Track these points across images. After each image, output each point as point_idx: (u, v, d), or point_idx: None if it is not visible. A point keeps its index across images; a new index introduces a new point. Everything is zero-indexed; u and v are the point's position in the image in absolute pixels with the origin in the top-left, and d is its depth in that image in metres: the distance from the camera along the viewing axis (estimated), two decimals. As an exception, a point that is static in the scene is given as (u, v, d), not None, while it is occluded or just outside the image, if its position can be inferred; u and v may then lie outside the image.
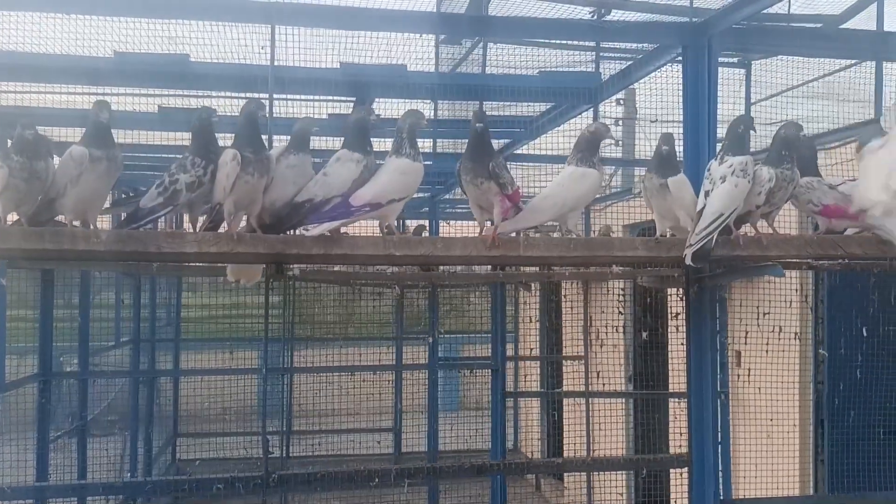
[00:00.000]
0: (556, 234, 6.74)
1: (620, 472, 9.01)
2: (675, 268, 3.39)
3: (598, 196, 7.13)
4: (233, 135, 2.97)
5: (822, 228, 3.18)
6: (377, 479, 3.16)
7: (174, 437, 11.71)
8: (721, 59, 6.87)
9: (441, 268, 6.45)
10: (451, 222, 10.34)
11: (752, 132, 3.07)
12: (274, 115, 4.27)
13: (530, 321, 12.30)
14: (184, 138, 5.87)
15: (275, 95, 4.36)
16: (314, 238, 2.96)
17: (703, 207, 2.93)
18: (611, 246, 3.07)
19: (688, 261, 2.90)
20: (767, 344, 5.91)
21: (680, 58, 3.62)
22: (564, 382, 10.93)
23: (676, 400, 7.11)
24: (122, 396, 10.00)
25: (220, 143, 3.03)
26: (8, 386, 5.67)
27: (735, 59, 7.33)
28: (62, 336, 7.86)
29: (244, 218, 3.01)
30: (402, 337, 11.41)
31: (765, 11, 6.35)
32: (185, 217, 3.12)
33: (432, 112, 6.32)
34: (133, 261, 3.53)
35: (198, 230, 2.94)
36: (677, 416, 7.19)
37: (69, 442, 6.91)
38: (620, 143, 9.28)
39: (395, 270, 6.05)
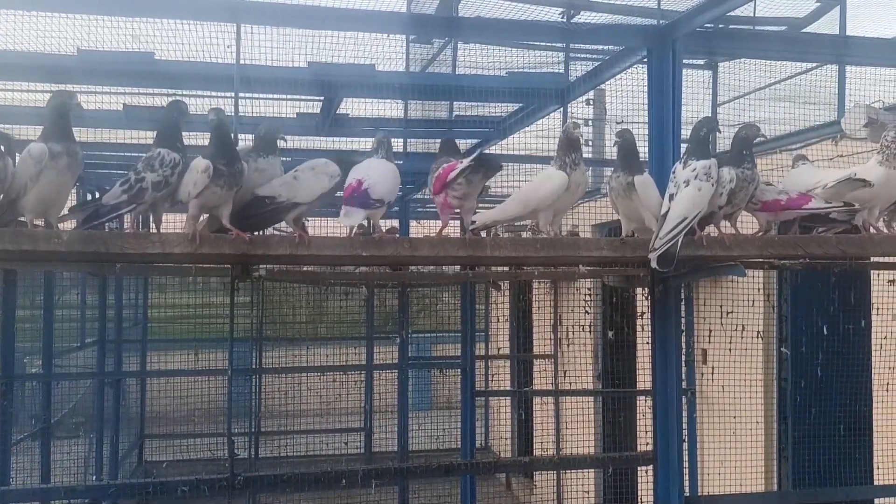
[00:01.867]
0: (525, 234, 6.78)
1: (589, 469, 9.08)
2: (641, 268, 3.42)
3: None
4: (195, 132, 2.94)
5: (764, 226, 3.24)
6: (344, 481, 3.16)
7: (141, 438, 11.57)
8: (688, 61, 7.02)
9: (411, 267, 6.45)
10: (422, 222, 10.33)
11: (717, 134, 3.11)
12: (240, 113, 4.24)
13: (500, 320, 12.34)
14: (149, 137, 5.81)
15: (242, 94, 4.32)
16: (280, 238, 2.96)
17: (668, 211, 2.96)
18: (576, 246, 3.10)
19: (654, 264, 2.93)
20: (731, 343, 5.99)
21: (646, 60, 3.65)
22: (535, 381, 10.98)
23: (645, 398, 7.17)
24: (87, 398, 9.86)
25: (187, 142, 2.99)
26: (-32, 389, 5.57)
27: (702, 62, 7.43)
28: (25, 337, 7.74)
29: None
30: (373, 337, 11.37)
31: (731, 14, 6.47)
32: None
33: (403, 111, 6.32)
34: (96, 261, 3.47)
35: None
36: (645, 413, 7.26)
37: (32, 445, 6.79)
38: (590, 143, 9.35)
39: (364, 270, 6.02)
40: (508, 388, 11.55)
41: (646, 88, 3.54)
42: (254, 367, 10.27)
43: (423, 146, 7.46)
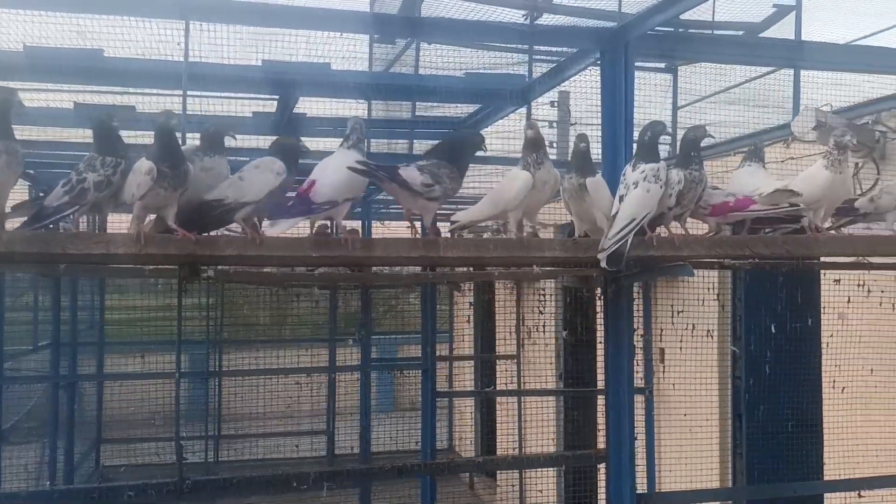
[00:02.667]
0: (486, 235, 6.79)
1: (550, 468, 9.12)
2: (593, 268, 3.44)
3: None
4: (151, 133, 2.90)
5: (714, 228, 3.30)
6: (295, 484, 3.12)
7: (98, 443, 11.36)
8: (648, 65, 7.10)
9: (373, 268, 6.42)
10: (386, 223, 10.31)
11: (666, 137, 3.14)
12: (192, 112, 4.19)
13: (460, 320, 12.37)
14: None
15: (192, 92, 4.26)
16: (227, 239, 2.92)
17: (617, 212, 2.98)
18: (529, 247, 3.10)
19: (603, 263, 2.95)
20: (684, 341, 6.08)
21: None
22: (498, 381, 11.02)
23: (604, 396, 7.22)
24: (42, 403, 9.66)
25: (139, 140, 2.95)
26: None
27: (663, 65, 7.52)
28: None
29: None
30: (336, 339, 11.31)
31: (689, 18, 6.56)
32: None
33: (366, 112, 6.29)
34: (39, 262, 3.40)
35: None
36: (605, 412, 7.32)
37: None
38: (555, 144, 9.41)
39: (324, 271, 5.98)
40: (471, 389, 11.55)
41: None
42: (212, 369, 10.11)
43: (385, 147, 7.44)
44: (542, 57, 5.55)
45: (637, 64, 3.61)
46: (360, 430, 9.75)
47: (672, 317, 6.11)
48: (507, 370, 10.61)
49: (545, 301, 9.50)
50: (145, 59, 4.30)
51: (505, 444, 10.62)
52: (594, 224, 3.23)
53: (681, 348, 6.17)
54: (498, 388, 10.84)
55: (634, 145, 3.34)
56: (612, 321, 3.46)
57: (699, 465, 6.08)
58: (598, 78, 3.54)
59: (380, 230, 9.90)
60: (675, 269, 3.18)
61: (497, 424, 11.20)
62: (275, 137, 5.90)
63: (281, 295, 11.72)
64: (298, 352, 12.16)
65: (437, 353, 9.06)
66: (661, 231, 3.22)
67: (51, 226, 2.78)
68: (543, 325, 9.50)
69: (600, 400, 7.86)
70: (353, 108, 6.24)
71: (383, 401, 14.45)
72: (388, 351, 14.41)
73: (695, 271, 3.19)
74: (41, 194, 5.88)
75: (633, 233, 2.91)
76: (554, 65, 5.21)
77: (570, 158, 3.24)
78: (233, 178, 2.95)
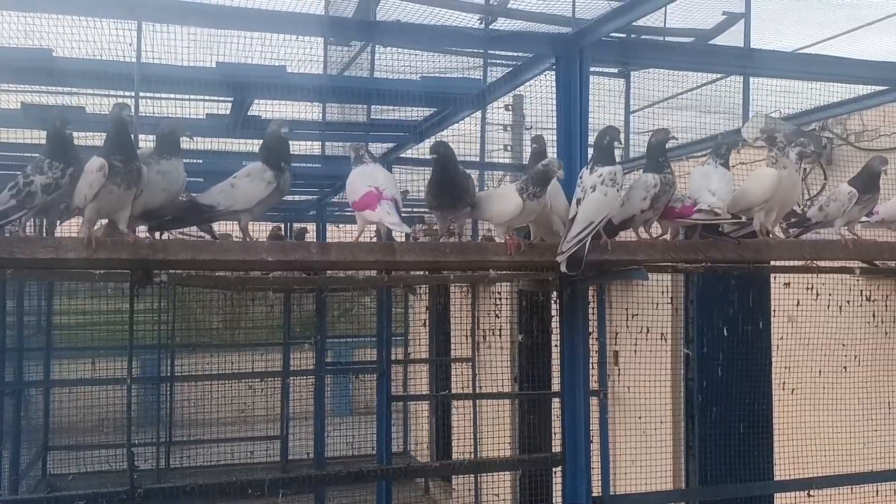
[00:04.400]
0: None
1: (505, 474, 9.15)
2: (549, 271, 3.47)
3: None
4: (101, 133, 2.83)
5: (665, 231, 3.35)
6: (251, 490, 3.08)
7: (44, 450, 11.06)
8: (602, 69, 7.19)
9: (327, 272, 6.38)
10: (340, 226, 10.24)
11: (618, 143, 3.18)
12: (141, 113, 4.10)
13: (416, 323, 12.36)
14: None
15: (146, 94, 4.18)
16: (180, 243, 2.88)
17: (575, 215, 3.01)
18: (484, 251, 3.11)
19: (563, 267, 2.97)
20: (638, 344, 6.16)
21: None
22: (453, 385, 11.02)
23: (560, 399, 7.27)
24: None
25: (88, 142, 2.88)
26: None
27: (615, 70, 7.62)
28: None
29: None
30: (290, 342, 11.21)
31: (642, 24, 6.65)
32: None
33: (320, 114, 6.24)
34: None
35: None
36: (561, 415, 7.37)
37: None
38: (510, 147, 9.48)
39: (277, 274, 5.92)
40: (426, 393, 11.53)
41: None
42: (162, 374, 9.93)
43: (341, 149, 7.38)
44: (498, 61, 5.59)
45: (591, 69, 3.67)
46: (315, 435, 9.67)
47: (626, 320, 6.18)
48: (462, 374, 10.62)
49: (501, 304, 9.55)
50: (96, 59, 4.20)
51: (461, 447, 10.61)
52: (550, 228, 3.26)
53: (635, 351, 6.25)
54: (454, 391, 10.85)
55: (590, 150, 3.37)
56: (567, 324, 3.49)
57: (653, 467, 6.16)
58: (550, 82, 3.58)
59: (334, 233, 9.84)
60: (630, 272, 3.22)
61: (453, 428, 11.20)
62: (231, 140, 5.89)
63: (235, 299, 11.58)
64: (253, 356, 12.02)
65: (393, 357, 9.05)
66: (630, 235, 3.26)
67: (-3, 230, 2.70)
68: (499, 329, 9.54)
69: (556, 403, 7.92)
70: (308, 111, 6.21)
71: (340, 405, 14.35)
72: (343, 355, 14.32)
73: (648, 275, 3.23)
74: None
75: (590, 236, 2.94)
76: (510, 69, 5.27)
77: (527, 162, 3.25)
78: (224, 184, 2.95)
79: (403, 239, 3.40)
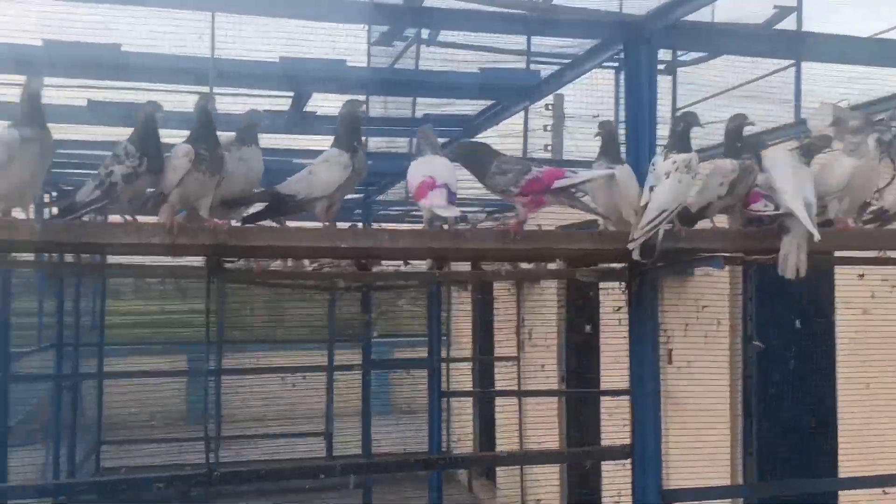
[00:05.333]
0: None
1: (553, 472, 9.09)
2: (617, 262, 3.44)
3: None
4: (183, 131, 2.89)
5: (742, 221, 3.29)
6: (323, 476, 3.10)
7: (98, 444, 11.31)
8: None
9: (375, 268, 6.41)
10: (383, 225, 10.27)
11: (695, 128, 3.14)
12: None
13: (459, 321, 12.36)
14: (114, 133, 5.67)
15: (217, 89, 4.25)
16: (258, 229, 2.92)
17: (648, 202, 2.97)
18: (554, 238, 3.10)
19: (635, 255, 2.94)
20: (690, 338, 6.06)
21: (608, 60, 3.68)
22: (497, 382, 11.00)
23: (611, 397, 7.22)
24: (44, 404, 9.57)
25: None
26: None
27: (662, 67, 7.54)
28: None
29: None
30: (335, 340, 11.29)
31: (690, 19, 6.57)
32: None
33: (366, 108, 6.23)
34: (70, 251, 3.38)
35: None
36: (612, 413, 7.31)
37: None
38: (549, 147, 9.42)
39: (328, 270, 5.97)
40: (477, 389, 11.49)
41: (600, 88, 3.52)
42: (214, 369, 10.06)
43: (386, 145, 7.41)
44: (539, 58, 5.54)
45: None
46: (363, 431, 9.70)
47: (682, 315, 6.10)
48: (506, 371, 10.60)
49: (547, 299, 9.46)
50: (164, 54, 4.28)
51: (505, 445, 10.59)
52: (620, 216, 3.23)
53: (690, 346, 6.17)
54: (497, 388, 10.82)
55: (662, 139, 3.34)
56: (636, 316, 3.46)
57: (710, 465, 6.08)
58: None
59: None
60: (704, 261, 3.18)
61: (496, 427, 11.17)
62: (287, 136, 5.91)
63: (281, 295, 11.70)
64: (297, 353, 12.15)
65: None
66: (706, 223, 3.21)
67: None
68: (545, 325, 9.48)
69: (604, 402, 7.84)
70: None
71: (380, 403, 14.41)
72: (382, 353, 14.38)
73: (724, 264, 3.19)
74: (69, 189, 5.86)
75: (664, 223, 2.90)
76: (550, 65, 5.21)
77: (600, 147, 3.22)
78: (302, 172, 2.98)
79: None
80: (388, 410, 14.55)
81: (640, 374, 3.48)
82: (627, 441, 3.54)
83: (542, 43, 5.63)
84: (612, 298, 7.14)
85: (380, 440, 11.21)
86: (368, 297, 9.62)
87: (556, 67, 4.85)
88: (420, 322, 12.36)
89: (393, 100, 6.65)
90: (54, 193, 6.49)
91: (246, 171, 2.94)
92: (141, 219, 2.80)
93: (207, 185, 2.80)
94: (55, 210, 2.95)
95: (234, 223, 2.99)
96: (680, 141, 3.04)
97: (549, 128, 9.46)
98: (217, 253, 2.96)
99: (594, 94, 7.57)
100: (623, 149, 3.46)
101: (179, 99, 4.89)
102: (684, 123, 3.06)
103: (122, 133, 5.64)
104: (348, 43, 5.75)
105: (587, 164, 3.46)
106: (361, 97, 5.70)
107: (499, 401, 10.74)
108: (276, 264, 5.41)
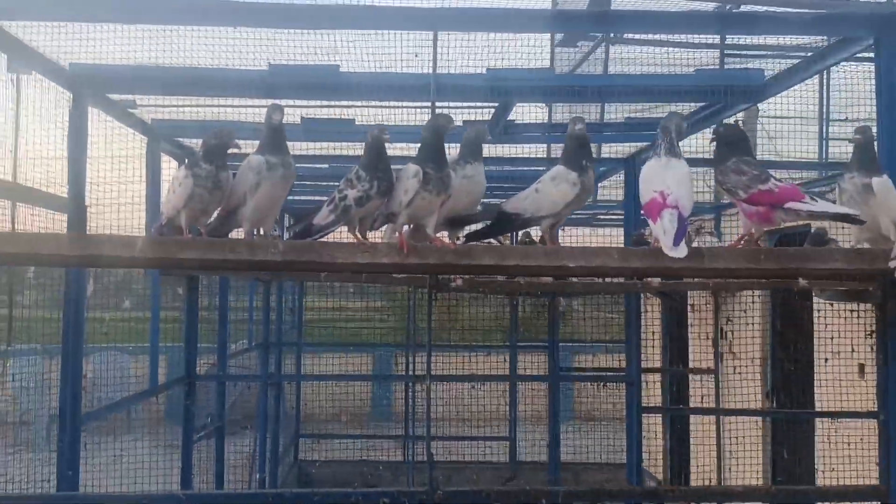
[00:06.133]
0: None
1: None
2: (868, 281, 3.10)
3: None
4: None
5: None
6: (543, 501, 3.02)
7: (296, 437, 11.96)
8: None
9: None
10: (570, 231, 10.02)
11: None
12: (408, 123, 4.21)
13: (648, 330, 11.86)
14: (327, 148, 5.93)
15: (420, 103, 4.29)
16: (485, 248, 2.88)
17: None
18: (805, 258, 2.82)
19: (897, 276, 2.63)
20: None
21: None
22: (691, 397, 10.44)
23: (829, 420, 6.62)
24: (243, 397, 10.27)
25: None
26: (159, 388, 5.86)
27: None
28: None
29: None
30: (517, 345, 11.24)
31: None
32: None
33: (547, 115, 6.09)
34: (307, 270, 3.54)
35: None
36: (829, 439, 6.71)
37: (208, 443, 7.08)
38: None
39: (536, 281, 5.84)
40: (666, 406, 10.95)
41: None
42: (417, 373, 10.30)
43: (555, 150, 7.15)
44: (736, 52, 5.13)
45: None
46: (550, 441, 9.54)
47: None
48: (701, 386, 10.02)
49: (751, 307, 8.82)
50: (381, 72, 4.39)
51: (700, 469, 10.00)
52: (878, 231, 2.89)
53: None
54: (690, 405, 10.26)
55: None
56: (892, 339, 3.09)
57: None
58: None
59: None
60: None
61: (691, 447, 10.57)
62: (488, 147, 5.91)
63: (461, 300, 11.82)
64: (479, 357, 12.21)
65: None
66: None
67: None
68: (748, 335, 8.86)
69: (819, 425, 7.17)
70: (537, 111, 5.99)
71: (563, 410, 14.22)
72: (563, 360, 14.16)
73: None
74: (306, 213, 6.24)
75: (934, 240, 2.56)
76: (745, 59, 4.79)
77: (852, 154, 2.90)
78: (528, 190, 2.95)
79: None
80: (569, 417, 14.34)
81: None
82: (855, 475, 3.18)
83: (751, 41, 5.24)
84: (834, 309, 6.56)
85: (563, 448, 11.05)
86: (555, 303, 9.46)
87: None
88: (597, 327, 12.06)
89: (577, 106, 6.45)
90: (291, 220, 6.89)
91: (471, 187, 2.93)
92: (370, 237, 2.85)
93: (434, 205, 2.81)
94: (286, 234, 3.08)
95: (458, 241, 2.98)
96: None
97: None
98: (440, 271, 2.96)
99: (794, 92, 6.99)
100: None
101: (389, 114, 5.02)
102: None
103: (333, 148, 5.98)
104: (530, 46, 5.63)
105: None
106: (560, 105, 5.61)
107: (693, 419, 10.18)
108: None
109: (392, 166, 2.83)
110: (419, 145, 2.86)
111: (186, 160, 3.03)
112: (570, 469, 11.05)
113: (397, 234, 2.86)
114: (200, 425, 6.73)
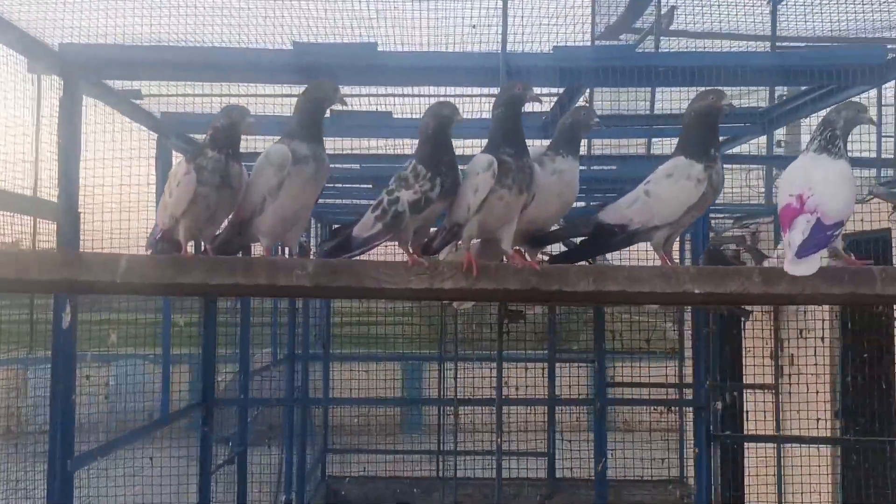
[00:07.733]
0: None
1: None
2: None
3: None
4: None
5: None
6: None
7: (324, 453, 11.40)
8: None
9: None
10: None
11: None
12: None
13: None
14: (357, 145, 5.25)
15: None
16: (580, 270, 2.16)
17: None
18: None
19: None
20: None
21: None
22: (748, 414, 9.61)
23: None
24: (267, 411, 9.72)
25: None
26: (171, 416, 5.19)
27: None
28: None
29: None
30: (555, 359, 10.50)
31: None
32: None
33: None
34: (343, 297, 2.86)
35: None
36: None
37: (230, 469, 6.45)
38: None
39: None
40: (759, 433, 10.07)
41: None
42: (447, 391, 9.76)
43: (616, 147, 6.38)
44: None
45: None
46: (594, 454, 8.83)
47: None
48: (760, 402, 9.20)
49: (816, 319, 7.99)
50: (422, 52, 3.71)
51: (755, 498, 9.17)
52: None
53: None
54: (747, 427, 9.42)
55: None
56: None
57: None
58: None
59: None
60: None
61: (745, 473, 9.72)
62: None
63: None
64: (515, 367, 11.55)
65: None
66: None
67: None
68: (813, 349, 8.03)
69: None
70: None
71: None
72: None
73: None
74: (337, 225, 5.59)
75: None
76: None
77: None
78: (633, 194, 2.19)
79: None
80: (609, 428, 13.61)
81: None
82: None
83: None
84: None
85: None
86: (602, 315, 8.68)
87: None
88: (634, 332, 11.32)
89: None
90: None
91: (562, 187, 2.19)
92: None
93: (513, 208, 2.09)
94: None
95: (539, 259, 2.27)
96: None
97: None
98: (519, 299, 2.25)
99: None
100: None
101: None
102: None
103: (366, 146, 5.30)
104: (568, 35, 4.94)
105: None
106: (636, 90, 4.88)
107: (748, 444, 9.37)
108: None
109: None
110: (488, 133, 2.15)
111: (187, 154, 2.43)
112: (611, 485, 10.34)
113: (462, 248, 2.15)
114: (221, 439, 6.17)
